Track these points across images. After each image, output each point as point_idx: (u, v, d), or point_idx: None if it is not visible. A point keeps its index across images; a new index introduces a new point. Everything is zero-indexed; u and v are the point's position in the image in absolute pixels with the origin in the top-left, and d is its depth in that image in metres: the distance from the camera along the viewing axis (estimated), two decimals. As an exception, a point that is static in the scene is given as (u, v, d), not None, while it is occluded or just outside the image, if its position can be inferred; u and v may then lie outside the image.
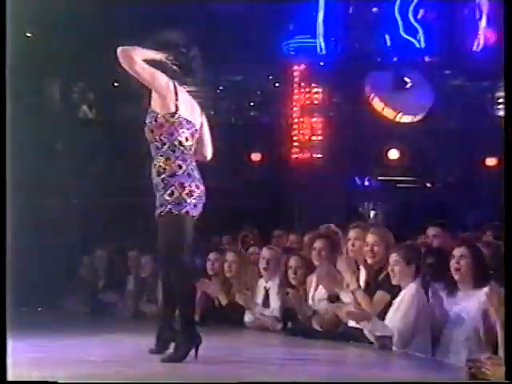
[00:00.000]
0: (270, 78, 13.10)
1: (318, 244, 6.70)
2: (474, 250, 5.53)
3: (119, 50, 4.73)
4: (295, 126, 12.93)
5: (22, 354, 4.98)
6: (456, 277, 5.48)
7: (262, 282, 7.27)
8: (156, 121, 4.81)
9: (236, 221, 9.35)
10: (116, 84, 12.11)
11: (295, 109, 12.80)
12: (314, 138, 12.61)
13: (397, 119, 11.86)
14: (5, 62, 3.93)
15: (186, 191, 4.74)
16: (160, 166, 4.80)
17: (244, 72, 12.81)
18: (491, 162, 12.22)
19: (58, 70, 11.69)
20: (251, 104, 13.41)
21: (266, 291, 7.17)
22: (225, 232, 8.74)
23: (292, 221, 9.77)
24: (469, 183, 12.28)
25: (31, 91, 10.91)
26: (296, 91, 12.68)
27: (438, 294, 5.74)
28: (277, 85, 13.20)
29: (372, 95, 11.68)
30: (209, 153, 5.10)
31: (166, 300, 5.14)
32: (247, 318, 7.18)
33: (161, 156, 4.80)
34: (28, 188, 10.28)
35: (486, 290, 5.26)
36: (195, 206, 4.78)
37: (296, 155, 12.60)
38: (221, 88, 12.96)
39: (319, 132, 12.66)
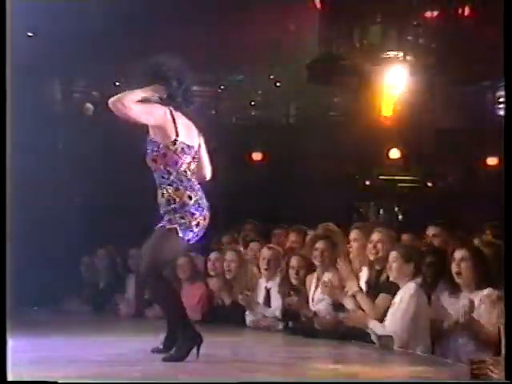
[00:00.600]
0: (271, 77, 13.12)
1: (319, 245, 6.70)
2: (474, 251, 5.53)
3: (110, 101, 4.72)
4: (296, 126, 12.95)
5: (23, 354, 4.99)
6: (457, 279, 5.48)
7: (262, 282, 7.27)
8: (158, 150, 4.82)
9: (236, 220, 9.34)
10: (117, 83, 12.11)
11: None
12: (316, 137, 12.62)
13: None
14: (5, 61, 3.93)
15: (195, 222, 4.81)
16: (170, 195, 4.83)
17: (245, 72, 12.83)
18: (492, 161, 12.21)
19: (60, 70, 11.69)
20: (252, 103, 13.43)
21: (267, 291, 7.17)
22: (225, 232, 8.73)
23: (293, 220, 9.75)
24: (470, 182, 12.29)
25: (33, 91, 10.91)
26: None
27: (438, 293, 5.74)
28: (278, 84, 13.21)
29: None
30: (208, 173, 5.14)
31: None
32: (248, 317, 7.18)
33: (169, 186, 4.83)
34: (29, 187, 10.29)
35: (487, 290, 5.27)
36: (197, 235, 4.88)
37: (297, 154, 12.60)
38: (222, 87, 12.97)
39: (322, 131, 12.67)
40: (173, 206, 4.81)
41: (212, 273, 7.80)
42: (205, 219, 4.86)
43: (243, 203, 11.40)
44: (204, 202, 4.87)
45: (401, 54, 11.50)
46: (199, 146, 5.00)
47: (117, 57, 10.58)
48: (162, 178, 4.85)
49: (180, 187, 4.81)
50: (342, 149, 12.40)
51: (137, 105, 4.73)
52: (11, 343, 4.27)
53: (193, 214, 4.79)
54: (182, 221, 4.78)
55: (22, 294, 9.01)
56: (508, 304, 4.14)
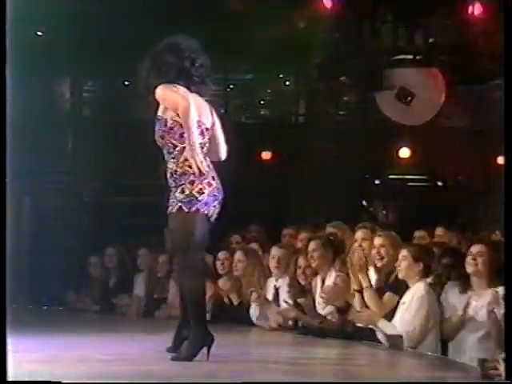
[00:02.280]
0: (281, 76, 13.10)
1: (310, 246, 6.68)
2: (492, 248, 5.51)
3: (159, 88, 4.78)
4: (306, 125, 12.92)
5: (31, 353, 4.99)
6: (471, 272, 5.46)
7: (271, 281, 7.26)
8: (166, 125, 4.82)
9: (246, 220, 9.33)
10: (127, 83, 12.12)
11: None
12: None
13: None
14: (5, 61, 3.92)
15: (197, 189, 4.73)
16: (171, 167, 4.81)
17: (254, 70, 12.81)
18: (503, 160, 12.13)
19: (69, 69, 11.70)
20: (261, 102, 13.40)
21: (276, 290, 7.16)
22: (234, 231, 8.72)
23: (302, 219, 9.75)
24: (480, 182, 12.24)
25: (41, 90, 10.93)
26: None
27: (449, 293, 5.72)
28: (287, 83, 13.19)
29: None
30: (223, 153, 5.07)
31: (182, 298, 5.10)
32: (257, 316, 7.17)
33: (172, 158, 4.81)
34: (39, 187, 10.31)
35: (499, 289, 5.24)
36: (206, 203, 4.76)
37: (306, 153, 12.57)
38: (231, 86, 12.95)
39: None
40: (174, 177, 4.77)
41: (221, 272, 7.79)
42: (209, 185, 4.76)
43: (252, 202, 11.38)
44: (207, 171, 4.77)
45: (411, 53, 11.46)
46: (213, 124, 4.97)
47: (126, 56, 10.58)
48: (168, 152, 4.83)
49: (181, 157, 4.79)
50: (352, 148, 12.37)
51: (173, 95, 4.79)
52: (20, 342, 4.28)
53: (192, 181, 4.73)
54: (182, 195, 4.73)
55: (32, 293, 9.06)
56: (508, 304, 4.12)
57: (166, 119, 4.82)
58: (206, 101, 5.01)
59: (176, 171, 4.78)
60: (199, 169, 4.72)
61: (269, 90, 13.43)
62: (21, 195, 9.59)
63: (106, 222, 10.84)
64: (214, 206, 4.82)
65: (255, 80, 13.17)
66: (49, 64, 10.58)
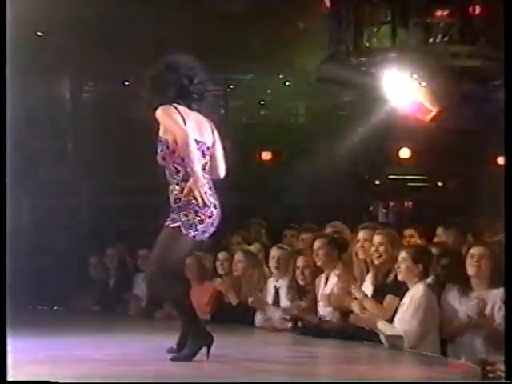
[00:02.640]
0: (281, 76, 13.10)
1: (316, 244, 6.69)
2: (492, 249, 5.51)
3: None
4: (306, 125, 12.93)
5: (31, 353, 4.99)
6: (472, 274, 5.46)
7: (271, 281, 7.25)
8: (168, 147, 4.83)
9: (246, 220, 9.33)
10: (127, 83, 12.12)
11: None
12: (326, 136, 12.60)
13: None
14: (5, 61, 3.92)
15: (198, 219, 4.81)
16: (175, 194, 4.85)
17: (254, 71, 12.81)
18: (503, 161, 12.10)
19: (69, 69, 11.70)
20: (261, 103, 13.41)
21: (276, 290, 7.16)
22: (234, 231, 8.71)
23: (303, 220, 9.75)
24: (480, 182, 12.23)
25: (41, 90, 10.93)
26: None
27: (449, 294, 5.72)
28: (287, 83, 13.19)
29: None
30: (222, 171, 5.10)
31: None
32: (257, 317, 7.17)
33: (177, 185, 4.84)
34: (38, 188, 10.31)
35: (501, 290, 5.24)
36: (203, 232, 4.86)
37: (306, 154, 12.57)
38: (231, 87, 12.96)
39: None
40: (178, 204, 4.83)
41: (221, 272, 7.79)
42: (210, 216, 4.83)
43: (253, 202, 11.38)
44: (211, 200, 4.84)
45: (411, 54, 11.47)
46: (213, 143, 4.99)
47: (126, 56, 10.59)
48: (171, 175, 4.87)
49: (185, 186, 4.79)
50: (352, 148, 12.38)
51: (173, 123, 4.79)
52: (20, 343, 4.27)
53: (196, 211, 4.79)
54: (185, 218, 4.79)
55: (32, 293, 9.05)
56: (508, 304, 4.12)
57: (167, 140, 4.84)
58: (208, 117, 5.01)
59: (180, 199, 4.82)
60: (203, 200, 4.76)
61: (269, 91, 13.43)
62: (21, 195, 9.59)
63: (107, 222, 10.84)
64: (210, 232, 4.91)
65: (255, 80, 13.17)
66: (49, 64, 10.58)
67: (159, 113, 4.79)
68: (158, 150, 4.88)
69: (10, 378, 3.71)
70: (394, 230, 6.44)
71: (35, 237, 9.71)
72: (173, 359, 4.73)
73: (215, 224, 4.92)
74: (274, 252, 7.23)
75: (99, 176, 11.29)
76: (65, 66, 11.24)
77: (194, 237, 4.83)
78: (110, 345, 5.66)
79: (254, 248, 8.00)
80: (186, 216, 4.80)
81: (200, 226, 4.82)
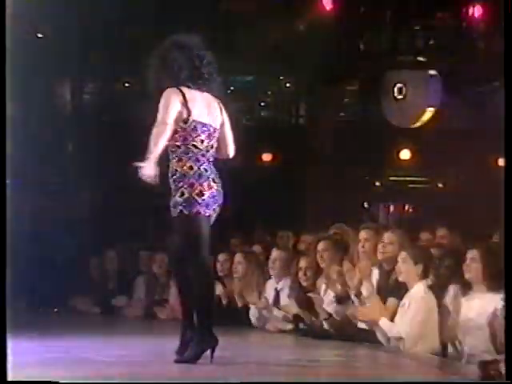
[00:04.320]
0: (281, 78, 13.09)
1: (320, 246, 6.69)
2: (485, 252, 5.49)
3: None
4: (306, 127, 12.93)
5: (32, 355, 4.99)
6: (468, 279, 5.45)
7: (272, 283, 7.26)
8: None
9: (246, 222, 9.33)
10: (127, 84, 12.12)
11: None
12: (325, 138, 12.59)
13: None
14: (5, 62, 3.92)
15: (197, 191, 4.73)
16: (173, 167, 4.82)
17: (254, 72, 12.80)
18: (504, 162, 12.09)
19: (69, 71, 11.69)
20: (262, 104, 13.40)
21: (277, 292, 7.16)
22: (234, 233, 8.72)
23: (303, 222, 9.76)
24: (481, 183, 12.23)
25: (42, 91, 10.93)
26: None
27: (450, 295, 5.72)
28: (288, 85, 13.19)
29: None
30: (231, 151, 5.06)
31: (183, 300, 5.06)
32: (258, 318, 7.17)
33: (174, 159, 4.82)
34: (40, 189, 10.31)
35: (500, 292, 5.23)
36: (207, 205, 4.76)
37: (307, 155, 12.57)
38: (231, 88, 12.95)
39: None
40: (174, 177, 4.78)
41: (220, 274, 7.78)
42: (210, 187, 4.77)
43: (253, 204, 11.37)
44: (209, 174, 4.79)
45: (411, 55, 11.47)
46: (222, 123, 4.96)
47: (126, 57, 10.59)
48: (171, 152, 4.84)
49: (183, 158, 4.79)
50: (353, 150, 12.37)
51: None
52: (20, 344, 4.26)
53: (192, 184, 4.74)
54: (181, 199, 4.73)
55: (33, 295, 9.05)
56: (508, 304, 4.12)
57: None
58: (217, 97, 4.98)
59: (176, 171, 4.79)
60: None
61: (269, 92, 13.43)
62: (22, 196, 9.59)
63: (107, 223, 10.83)
64: (214, 209, 4.82)
65: (256, 82, 13.16)
66: (49, 66, 10.57)
67: (164, 94, 4.77)
68: None
69: (9, 378, 3.71)
70: (403, 231, 6.45)
71: (36, 238, 9.69)
72: (177, 361, 4.71)
73: (218, 200, 4.81)
74: (274, 254, 7.23)
75: (100, 176, 11.28)
76: (65, 67, 11.23)
77: (199, 213, 4.73)
78: (110, 346, 5.66)
79: (254, 249, 8.01)
80: (183, 195, 4.73)
81: (200, 200, 4.73)
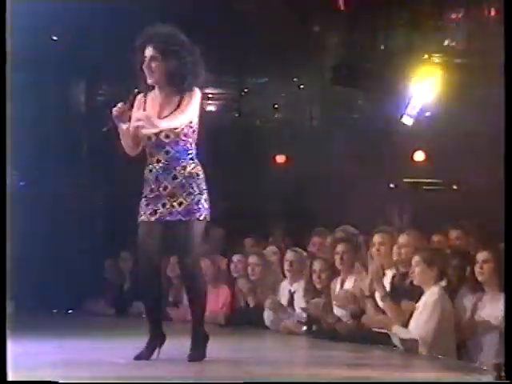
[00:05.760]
0: (295, 80, 13.09)
1: (340, 248, 6.68)
2: (497, 253, 5.47)
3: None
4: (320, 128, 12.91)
5: (44, 356, 5.01)
6: (481, 281, 5.44)
7: (286, 285, 7.25)
8: (191, 127, 4.99)
9: (259, 223, 9.32)
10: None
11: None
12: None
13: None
14: (5, 61, 3.94)
15: (204, 197, 4.90)
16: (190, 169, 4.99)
17: (268, 74, 12.80)
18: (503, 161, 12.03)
19: (84, 73, 11.73)
20: (275, 106, 13.39)
21: (291, 294, 7.16)
22: (248, 234, 8.71)
23: (317, 223, 9.73)
24: (495, 185, 12.18)
25: (56, 93, 10.97)
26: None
27: (463, 297, 5.70)
28: (301, 87, 13.18)
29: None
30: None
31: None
32: (271, 320, 7.16)
33: (190, 160, 4.97)
34: (52, 190, 10.34)
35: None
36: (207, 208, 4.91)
37: (320, 157, 12.56)
38: (245, 90, 12.95)
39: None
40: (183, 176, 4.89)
41: (234, 275, 7.79)
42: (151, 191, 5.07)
43: (267, 206, 11.37)
44: (150, 176, 5.20)
45: (426, 56, 11.43)
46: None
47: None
48: (185, 151, 4.96)
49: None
50: (366, 151, 12.34)
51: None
52: (35, 345, 4.27)
53: (198, 184, 4.88)
54: (190, 198, 4.83)
55: (46, 296, 9.08)
56: (508, 304, 4.11)
57: (193, 118, 4.98)
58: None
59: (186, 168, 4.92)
60: None
61: (283, 94, 13.42)
62: (34, 198, 9.62)
63: (121, 225, 10.85)
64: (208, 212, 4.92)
65: (269, 84, 13.16)
66: (63, 68, 10.60)
67: (197, 94, 4.92)
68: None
69: (9, 378, 3.72)
70: (420, 233, 6.43)
71: (50, 240, 9.73)
72: (191, 360, 4.78)
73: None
74: (288, 255, 7.23)
75: (113, 178, 11.30)
76: (78, 70, 11.25)
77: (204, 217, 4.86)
78: (124, 348, 5.66)
79: (269, 251, 8.00)
80: (190, 194, 4.84)
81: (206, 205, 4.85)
